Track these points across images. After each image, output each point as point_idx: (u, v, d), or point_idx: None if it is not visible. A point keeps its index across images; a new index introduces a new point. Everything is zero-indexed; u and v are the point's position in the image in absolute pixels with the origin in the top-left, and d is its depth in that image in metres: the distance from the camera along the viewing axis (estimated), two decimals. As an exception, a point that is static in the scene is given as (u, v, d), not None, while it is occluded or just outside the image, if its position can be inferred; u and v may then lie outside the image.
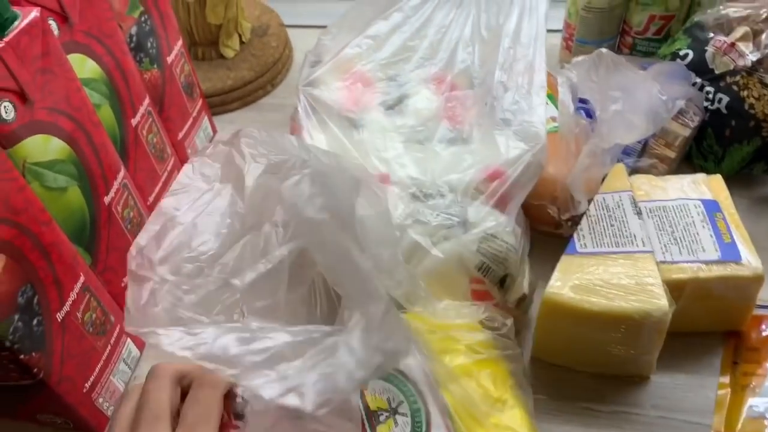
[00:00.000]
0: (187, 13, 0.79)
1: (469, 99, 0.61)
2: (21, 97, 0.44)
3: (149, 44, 0.64)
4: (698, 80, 0.66)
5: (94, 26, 0.54)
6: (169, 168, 0.69)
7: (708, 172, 0.68)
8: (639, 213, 0.57)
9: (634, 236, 0.55)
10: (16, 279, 0.44)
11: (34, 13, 0.45)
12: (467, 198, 0.55)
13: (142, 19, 0.63)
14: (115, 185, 0.56)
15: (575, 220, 0.61)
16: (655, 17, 0.75)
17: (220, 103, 0.83)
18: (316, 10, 0.97)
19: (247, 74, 0.83)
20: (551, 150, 0.61)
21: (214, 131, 0.81)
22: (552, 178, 0.60)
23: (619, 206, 0.57)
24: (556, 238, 0.63)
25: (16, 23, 0.44)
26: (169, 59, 0.68)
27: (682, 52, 0.68)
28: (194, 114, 0.74)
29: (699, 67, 0.66)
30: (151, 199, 0.65)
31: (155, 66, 0.66)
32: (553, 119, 0.65)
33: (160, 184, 0.67)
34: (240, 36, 0.86)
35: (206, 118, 0.78)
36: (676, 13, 0.75)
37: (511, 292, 0.55)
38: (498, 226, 0.53)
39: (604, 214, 0.57)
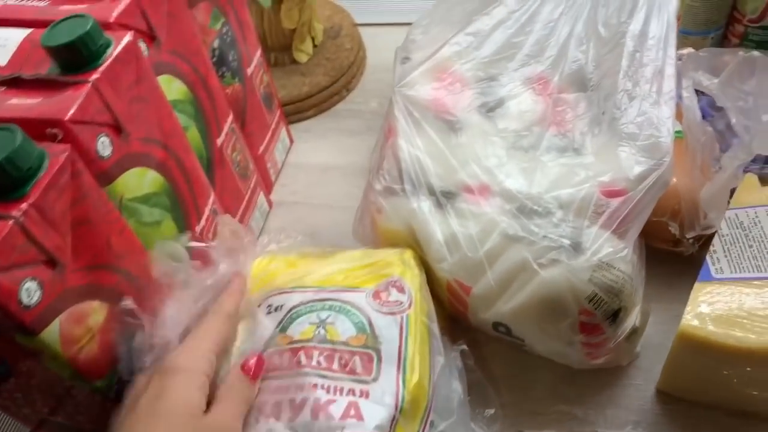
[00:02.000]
0: (261, 18, 0.75)
1: (581, 104, 0.55)
2: (116, 129, 0.41)
3: (231, 57, 0.61)
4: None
5: (180, 44, 0.51)
6: (251, 185, 0.65)
7: None
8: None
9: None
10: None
11: (128, 37, 0.42)
12: (580, 218, 0.49)
13: (224, 30, 0.59)
14: (206, 212, 0.53)
15: (698, 238, 0.55)
16: (774, 3, 0.68)
17: (294, 111, 0.79)
18: (388, 7, 0.92)
19: (323, 79, 0.79)
20: (675, 158, 0.55)
21: (291, 141, 0.77)
22: (674, 190, 0.54)
23: (756, 224, 0.51)
24: (674, 255, 0.58)
25: (109, 50, 0.41)
26: (249, 71, 0.65)
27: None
28: (273, 126, 0.71)
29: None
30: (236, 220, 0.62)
31: (236, 79, 0.62)
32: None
33: (243, 203, 0.64)
34: (313, 39, 0.82)
35: (284, 128, 0.75)
36: (798, -2, 0.67)
37: (623, 325, 0.50)
38: (615, 253, 0.47)
39: (740, 233, 0.51)
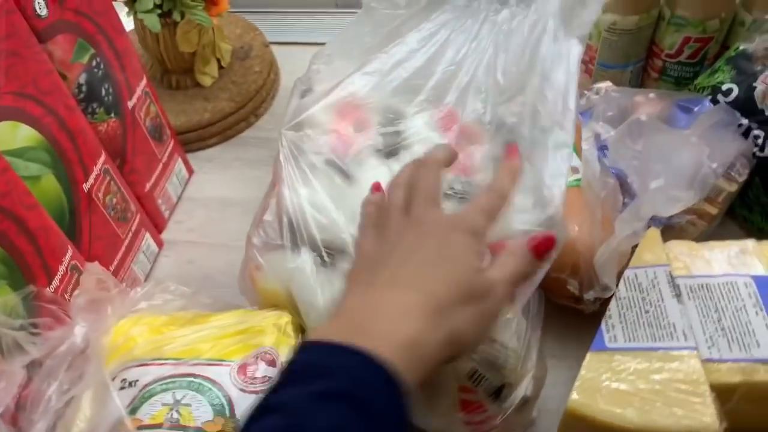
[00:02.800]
0: (157, 41, 0.70)
1: (477, 153, 0.52)
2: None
3: (104, 91, 0.55)
4: (744, 121, 0.57)
5: (26, 85, 0.45)
6: (133, 228, 0.60)
7: (754, 225, 0.60)
8: (678, 295, 0.48)
9: (674, 327, 0.46)
10: None
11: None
12: None
13: (94, 63, 0.54)
14: (95, 171, 0.53)
15: (599, 297, 0.52)
16: (690, 39, 0.65)
17: (196, 139, 0.74)
18: (306, 25, 0.88)
19: (227, 105, 0.74)
20: (572, 209, 0.52)
21: (190, 172, 0.72)
22: (572, 246, 0.51)
23: (654, 285, 0.49)
24: (575, 310, 0.55)
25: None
26: (131, 103, 0.59)
27: (724, 87, 0.58)
28: (164, 159, 0.66)
29: (746, 105, 0.57)
30: (112, 267, 0.57)
31: (113, 114, 0.57)
32: (575, 170, 0.56)
33: (122, 249, 0.58)
34: (219, 61, 0.76)
35: (179, 160, 0.69)
36: (714, 35, 0.65)
37: (508, 401, 0.46)
38: (498, 326, 0.44)
39: (637, 296, 0.48)
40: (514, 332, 0.44)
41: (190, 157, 0.73)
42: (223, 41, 0.77)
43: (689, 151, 0.43)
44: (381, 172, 0.52)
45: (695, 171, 0.42)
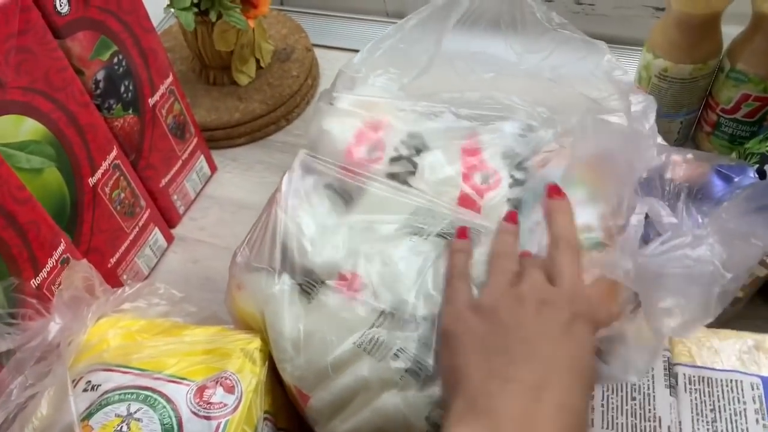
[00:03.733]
0: (195, 37, 0.70)
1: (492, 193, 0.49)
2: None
3: (123, 88, 0.56)
4: (789, 199, 0.51)
5: (36, 80, 0.46)
6: (141, 222, 0.61)
7: (787, 313, 0.54)
8: (673, 386, 0.44)
9: (659, 422, 0.42)
10: None
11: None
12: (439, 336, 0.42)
13: (115, 60, 0.54)
14: (104, 166, 0.54)
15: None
16: (750, 97, 0.60)
17: (225, 137, 0.74)
18: (354, 31, 0.86)
19: (258, 107, 0.74)
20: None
21: (213, 169, 0.72)
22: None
23: (648, 371, 0.45)
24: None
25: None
26: (152, 101, 0.60)
27: (773, 158, 0.53)
28: (184, 156, 0.66)
29: (793, 182, 0.51)
30: (113, 261, 0.58)
31: (131, 111, 0.57)
32: (590, 229, 0.51)
33: (126, 242, 0.59)
34: (258, 61, 0.76)
35: (202, 157, 0.70)
36: (777, 95, 0.59)
37: None
38: None
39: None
40: None
41: (215, 153, 0.73)
42: (264, 41, 0.77)
43: (699, 268, 0.38)
44: (386, 204, 0.50)
45: (711, 287, 0.38)
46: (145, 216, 0.62)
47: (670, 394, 0.43)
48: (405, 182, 0.49)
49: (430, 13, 0.54)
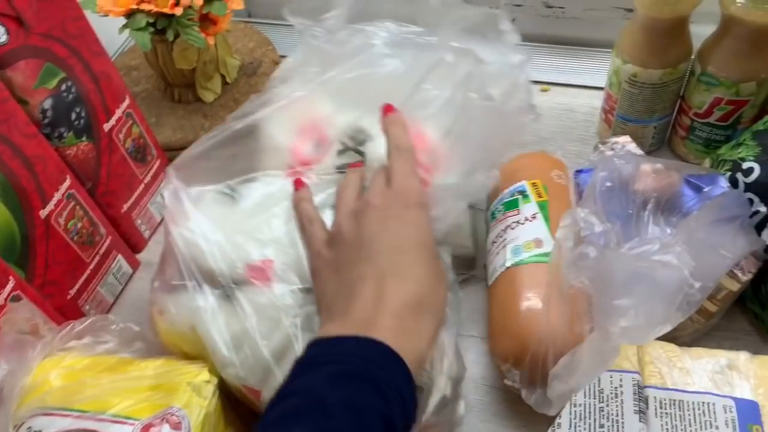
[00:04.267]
0: (155, 56, 0.69)
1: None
2: None
3: (74, 115, 0.54)
4: (762, 208, 0.49)
5: (-26, 115, 0.45)
6: (102, 250, 0.59)
7: (764, 324, 0.52)
8: (642, 411, 0.42)
9: (628, 450, 0.41)
10: None
11: None
12: None
13: (63, 87, 0.53)
14: (56, 197, 0.52)
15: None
16: (722, 101, 0.58)
17: (192, 157, 0.72)
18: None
19: (225, 125, 0.72)
20: (531, 284, 0.47)
21: (180, 191, 0.71)
22: (524, 328, 0.45)
23: (617, 395, 0.43)
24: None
25: None
26: (107, 126, 0.58)
27: (745, 165, 0.51)
28: (147, 179, 0.65)
29: (766, 190, 0.49)
30: (72, 292, 0.56)
31: (84, 138, 0.56)
32: (537, 244, 0.50)
33: (86, 272, 0.58)
34: (224, 76, 0.74)
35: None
36: (750, 98, 0.57)
37: (426, 404, 0.43)
38: None
39: (595, 405, 0.43)
40: None
41: (182, 174, 0.71)
42: (229, 56, 0.75)
43: (665, 274, 0.36)
44: (269, 190, 0.49)
45: (675, 295, 0.36)
46: (106, 244, 0.60)
47: (640, 420, 0.42)
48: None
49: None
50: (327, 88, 0.50)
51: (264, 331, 0.43)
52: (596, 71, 0.74)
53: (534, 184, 0.54)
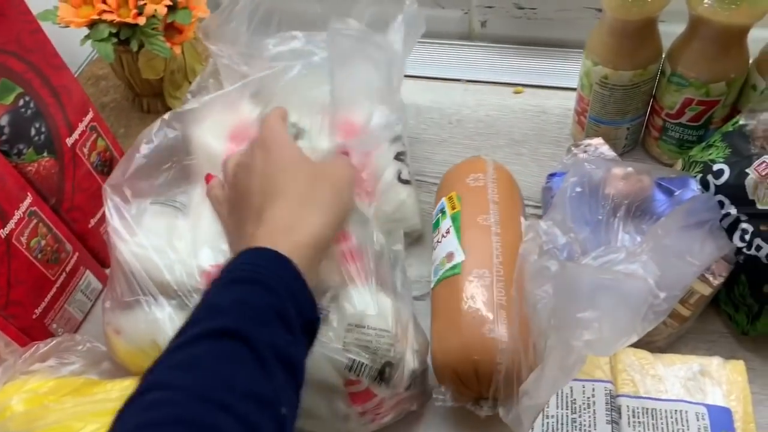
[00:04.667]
0: (121, 66, 0.67)
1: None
2: None
3: (34, 131, 0.53)
4: (732, 210, 0.49)
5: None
6: (68, 267, 0.58)
7: (738, 326, 0.52)
8: (615, 421, 0.42)
9: (601, 461, 0.40)
10: None
11: None
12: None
13: (21, 103, 0.51)
14: (17, 215, 0.51)
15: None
16: (693, 101, 0.58)
17: (162, 167, 0.71)
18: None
19: (195, 134, 0.71)
20: (445, 299, 0.47)
21: (150, 203, 0.69)
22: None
23: (589, 405, 0.43)
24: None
25: None
26: (70, 140, 0.57)
27: (716, 167, 0.51)
28: (114, 193, 0.63)
29: (736, 192, 0.49)
30: (38, 311, 0.55)
31: (45, 153, 0.54)
32: (449, 258, 0.49)
33: (53, 290, 0.56)
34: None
35: (136, 191, 0.67)
36: (721, 98, 0.57)
37: (395, 379, 0.44)
38: (363, 311, 0.43)
39: (568, 415, 0.42)
40: (380, 313, 0.43)
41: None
42: (199, 63, 0.74)
43: (631, 284, 0.36)
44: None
45: (640, 305, 0.35)
46: (73, 260, 0.59)
47: (612, 430, 0.41)
48: None
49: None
50: (249, 91, 0.52)
51: None
52: (569, 72, 0.73)
53: (450, 198, 0.54)
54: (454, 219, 0.51)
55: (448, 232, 0.50)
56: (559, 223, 0.43)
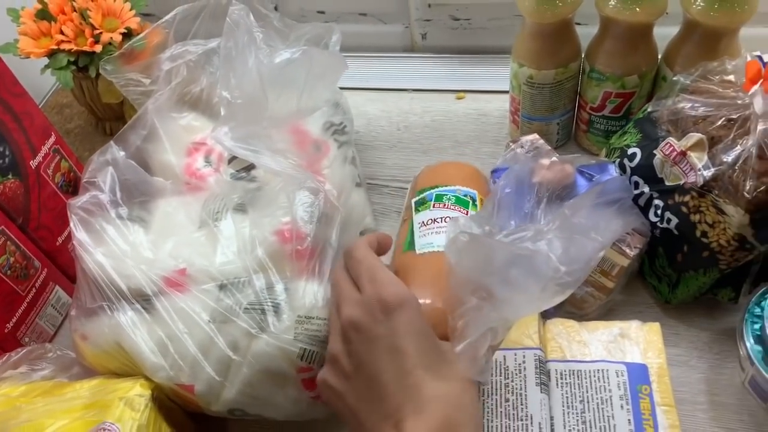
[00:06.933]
0: (82, 92, 0.71)
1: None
2: None
3: (-2, 155, 0.56)
4: (646, 189, 0.54)
5: None
6: (38, 283, 0.61)
7: (662, 296, 0.56)
8: (544, 383, 0.46)
9: (531, 419, 0.44)
10: None
11: None
12: (272, 276, 0.48)
13: (-16, 129, 0.55)
14: None
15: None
16: (611, 94, 0.63)
17: (126, 187, 0.75)
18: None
19: (156, 154, 0.74)
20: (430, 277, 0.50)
21: (116, 221, 0.73)
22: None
23: (520, 371, 0.47)
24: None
25: None
26: (34, 163, 0.60)
27: (630, 151, 0.56)
28: (80, 212, 0.67)
29: (647, 172, 0.54)
30: (9, 325, 0.58)
31: (10, 176, 0.58)
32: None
33: (23, 306, 0.59)
34: (153, 107, 0.77)
35: (102, 210, 0.70)
36: (635, 90, 0.62)
37: None
38: (311, 303, 0.47)
39: (501, 381, 0.46)
40: (325, 304, 0.47)
41: (118, 204, 0.74)
42: (157, 88, 0.77)
43: (537, 259, 0.40)
44: (168, 208, 0.54)
45: (545, 278, 0.39)
46: (42, 276, 0.62)
47: (541, 391, 0.45)
48: (249, 174, 0.55)
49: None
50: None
51: (186, 331, 0.46)
52: (505, 76, 0.78)
53: (481, 200, 0.57)
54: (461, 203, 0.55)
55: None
56: (478, 219, 0.47)
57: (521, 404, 0.45)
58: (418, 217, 0.55)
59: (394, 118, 0.78)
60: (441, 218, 0.54)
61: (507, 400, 0.45)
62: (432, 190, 0.57)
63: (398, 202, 0.70)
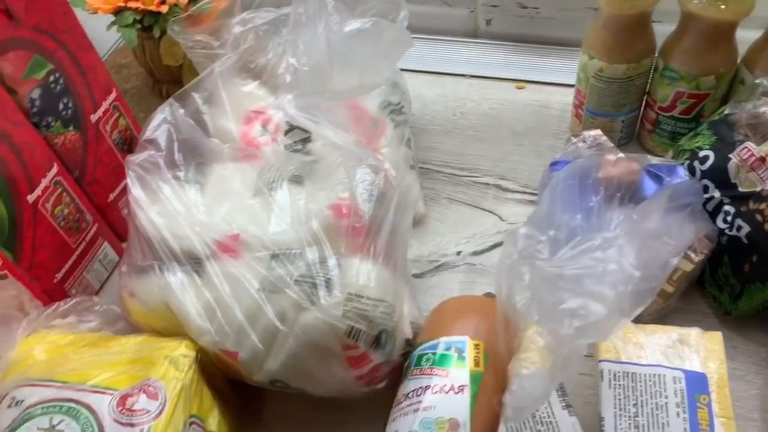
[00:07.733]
0: (143, 52, 0.71)
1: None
2: None
3: (62, 105, 0.57)
4: (716, 194, 0.52)
5: (-36, 102, 0.47)
6: (88, 237, 0.62)
7: (722, 306, 0.54)
8: (569, 404, 0.43)
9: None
10: None
11: None
12: (326, 251, 0.47)
13: (51, 78, 0.55)
14: (43, 183, 0.54)
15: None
16: (683, 94, 0.60)
17: (178, 150, 0.75)
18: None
19: (210, 120, 0.74)
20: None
21: (166, 183, 0.73)
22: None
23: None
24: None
25: None
26: (94, 117, 0.60)
27: (702, 153, 0.53)
28: (133, 171, 0.67)
29: (719, 176, 0.52)
30: (59, 275, 0.59)
31: (72, 128, 0.58)
32: (453, 427, 0.42)
33: (73, 257, 0.60)
34: (210, 73, 0.77)
35: (154, 171, 0.70)
36: (710, 92, 0.59)
37: (389, 345, 0.47)
38: (363, 282, 0.46)
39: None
40: (378, 284, 0.46)
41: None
42: (217, 54, 0.77)
43: (609, 268, 0.38)
44: (224, 173, 0.53)
45: (622, 287, 0.38)
46: (93, 231, 0.62)
47: (569, 414, 0.43)
48: (305, 147, 0.55)
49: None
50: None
51: (235, 297, 0.46)
52: (570, 69, 0.76)
53: (476, 346, 0.45)
54: (474, 380, 0.43)
55: (461, 389, 0.43)
56: (540, 221, 0.45)
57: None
58: (399, 391, 0.47)
59: (451, 104, 0.77)
60: (413, 391, 0.44)
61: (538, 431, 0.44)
62: (417, 349, 0.48)
63: (449, 188, 0.69)
